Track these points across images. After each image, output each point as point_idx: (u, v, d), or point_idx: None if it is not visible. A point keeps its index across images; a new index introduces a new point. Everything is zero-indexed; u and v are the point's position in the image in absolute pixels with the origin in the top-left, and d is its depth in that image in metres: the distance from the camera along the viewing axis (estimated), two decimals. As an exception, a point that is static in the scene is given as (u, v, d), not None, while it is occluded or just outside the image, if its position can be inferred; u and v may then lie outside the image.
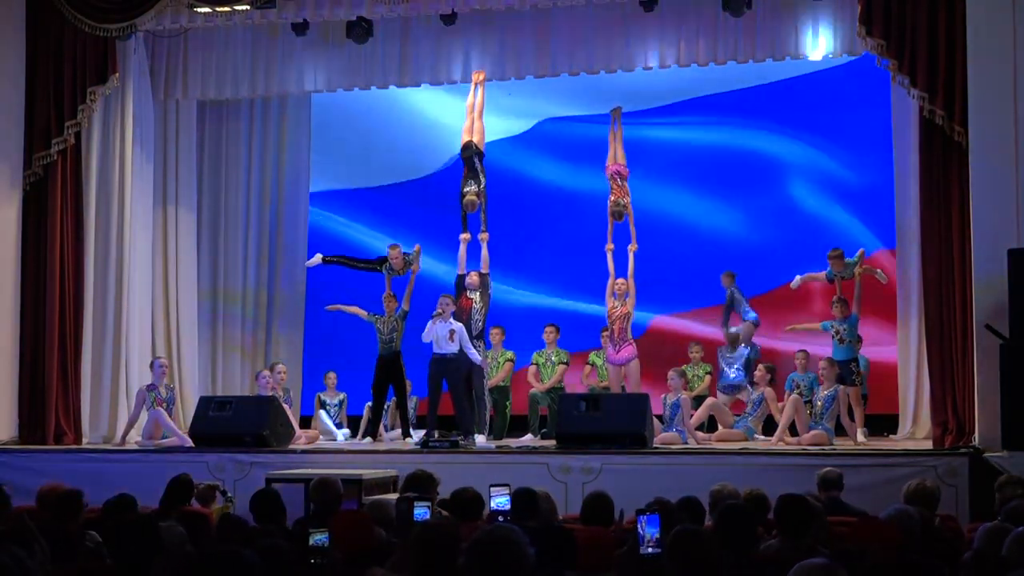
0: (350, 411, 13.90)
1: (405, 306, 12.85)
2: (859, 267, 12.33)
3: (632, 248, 12.91)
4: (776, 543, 5.68)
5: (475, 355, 12.33)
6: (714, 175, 14.82)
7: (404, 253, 13.12)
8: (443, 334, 12.11)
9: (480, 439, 12.14)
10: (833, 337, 12.15)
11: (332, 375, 14.00)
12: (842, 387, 11.82)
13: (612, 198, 13.08)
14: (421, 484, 7.48)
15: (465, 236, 12.95)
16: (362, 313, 13.15)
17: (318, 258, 13.53)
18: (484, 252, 12.90)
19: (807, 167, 14.52)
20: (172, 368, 13.93)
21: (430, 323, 12.13)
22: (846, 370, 11.99)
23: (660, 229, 14.23)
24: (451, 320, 12.16)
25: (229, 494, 9.76)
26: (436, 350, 12.19)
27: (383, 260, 13.26)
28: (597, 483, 10.06)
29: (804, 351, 12.77)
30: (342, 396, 13.89)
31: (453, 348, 12.13)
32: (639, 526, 4.87)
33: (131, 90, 13.24)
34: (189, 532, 5.97)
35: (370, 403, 13.08)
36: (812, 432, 11.57)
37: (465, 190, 12.97)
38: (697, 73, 13.46)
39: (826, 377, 11.86)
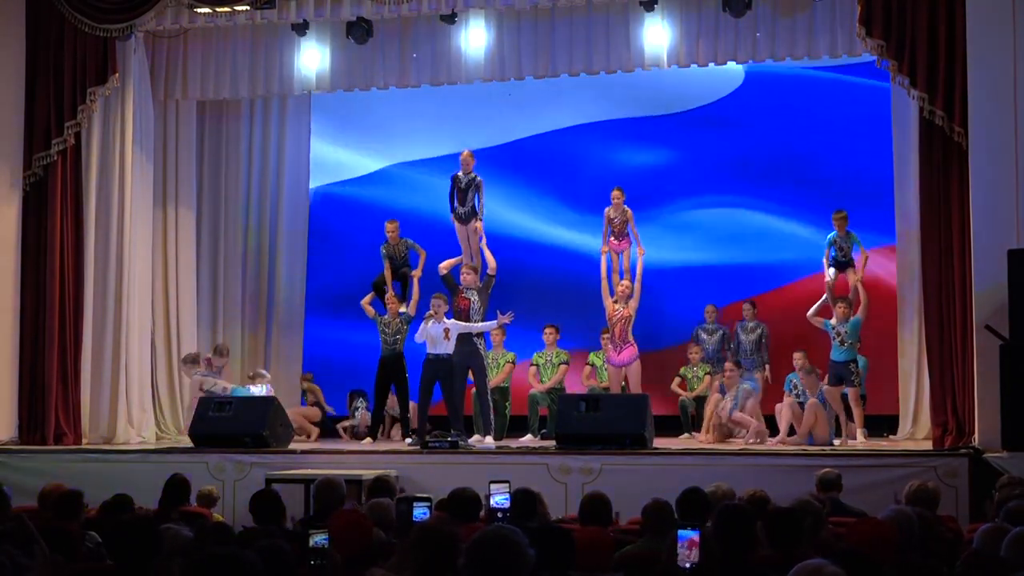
0: (338, 410, 14.10)
1: (411, 311, 12.86)
2: (860, 273, 12.31)
3: (640, 252, 12.88)
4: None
5: (485, 324, 12.32)
6: (712, 177, 14.81)
7: (403, 238, 13.17)
8: (437, 335, 12.07)
9: (488, 440, 12.09)
10: (834, 338, 12.15)
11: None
12: (828, 388, 11.91)
13: (612, 212, 13.03)
14: (383, 491, 7.52)
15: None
16: (369, 311, 13.17)
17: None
18: (491, 260, 12.80)
19: (806, 167, 14.51)
20: (172, 368, 13.96)
21: (423, 324, 12.10)
22: (845, 371, 12.02)
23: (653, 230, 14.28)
24: (444, 320, 12.14)
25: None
26: (431, 350, 12.16)
27: (384, 244, 13.24)
28: (597, 484, 10.06)
29: (803, 351, 12.75)
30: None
31: (448, 348, 12.11)
32: (678, 540, 4.87)
33: (131, 90, 13.23)
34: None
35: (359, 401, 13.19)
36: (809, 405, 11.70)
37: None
38: (695, 72, 13.52)
39: (808, 385, 11.91)
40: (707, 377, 13.38)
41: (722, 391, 12.73)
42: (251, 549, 4.36)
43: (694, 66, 12.94)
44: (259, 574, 3.90)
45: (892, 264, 13.16)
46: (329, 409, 14.25)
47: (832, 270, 12.45)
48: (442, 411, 12.71)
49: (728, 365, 12.94)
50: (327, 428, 14.12)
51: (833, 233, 12.48)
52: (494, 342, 13.40)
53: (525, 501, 6.92)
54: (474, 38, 13.11)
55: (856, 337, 12.18)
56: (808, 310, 12.53)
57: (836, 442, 11.65)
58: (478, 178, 12.89)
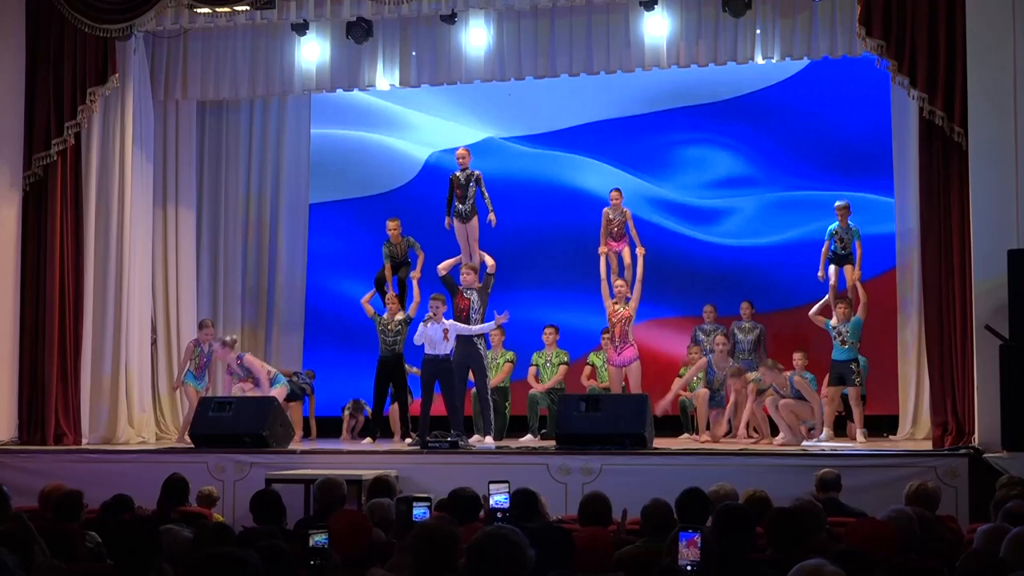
0: (336, 412, 14.06)
1: (411, 313, 12.86)
2: (856, 276, 12.31)
3: (640, 252, 12.87)
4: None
5: (483, 326, 12.31)
6: (710, 179, 14.80)
7: (404, 237, 13.15)
8: (436, 336, 12.05)
9: (488, 440, 12.09)
10: (835, 338, 12.16)
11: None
12: (829, 388, 11.96)
13: (611, 213, 13.03)
14: (383, 491, 7.51)
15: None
16: (368, 310, 13.17)
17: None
18: (488, 259, 12.80)
19: (806, 167, 14.51)
20: (172, 368, 13.94)
21: (422, 326, 12.08)
22: (846, 370, 12.03)
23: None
24: (443, 320, 12.13)
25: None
26: (429, 351, 12.15)
27: (386, 242, 13.23)
28: (597, 484, 10.05)
29: (803, 351, 12.74)
30: None
31: (446, 349, 12.10)
32: (679, 541, 4.88)
33: (131, 90, 13.24)
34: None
35: (350, 404, 13.18)
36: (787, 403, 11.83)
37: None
38: (694, 74, 13.50)
39: (774, 380, 11.92)
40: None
41: (710, 374, 12.78)
42: (251, 549, 4.36)
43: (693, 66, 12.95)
44: (259, 574, 3.90)
45: (892, 264, 13.14)
46: (299, 372, 14.16)
47: (831, 267, 12.44)
48: (442, 411, 12.71)
49: (720, 339, 12.94)
50: (294, 396, 14.02)
51: (835, 224, 12.45)
52: (493, 342, 13.39)
53: (525, 501, 6.91)
54: (474, 38, 13.11)
55: (857, 337, 12.18)
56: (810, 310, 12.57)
57: (824, 441, 11.62)
58: (476, 172, 12.89)
